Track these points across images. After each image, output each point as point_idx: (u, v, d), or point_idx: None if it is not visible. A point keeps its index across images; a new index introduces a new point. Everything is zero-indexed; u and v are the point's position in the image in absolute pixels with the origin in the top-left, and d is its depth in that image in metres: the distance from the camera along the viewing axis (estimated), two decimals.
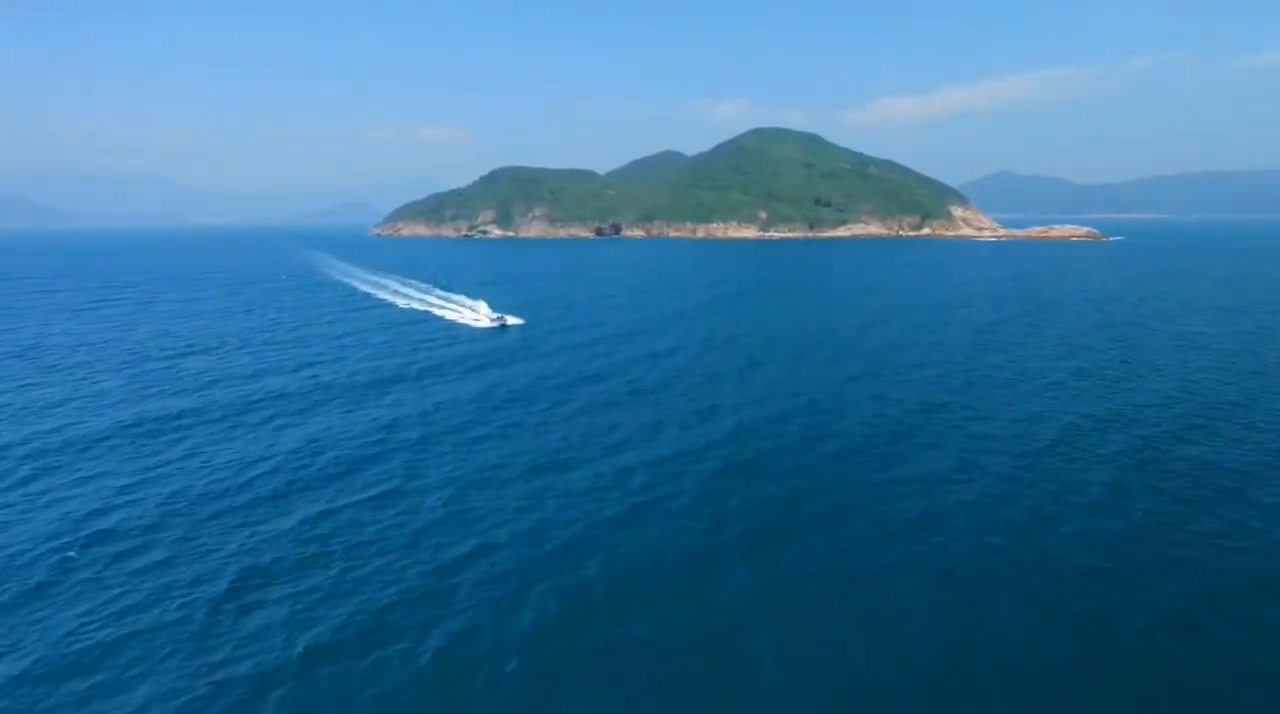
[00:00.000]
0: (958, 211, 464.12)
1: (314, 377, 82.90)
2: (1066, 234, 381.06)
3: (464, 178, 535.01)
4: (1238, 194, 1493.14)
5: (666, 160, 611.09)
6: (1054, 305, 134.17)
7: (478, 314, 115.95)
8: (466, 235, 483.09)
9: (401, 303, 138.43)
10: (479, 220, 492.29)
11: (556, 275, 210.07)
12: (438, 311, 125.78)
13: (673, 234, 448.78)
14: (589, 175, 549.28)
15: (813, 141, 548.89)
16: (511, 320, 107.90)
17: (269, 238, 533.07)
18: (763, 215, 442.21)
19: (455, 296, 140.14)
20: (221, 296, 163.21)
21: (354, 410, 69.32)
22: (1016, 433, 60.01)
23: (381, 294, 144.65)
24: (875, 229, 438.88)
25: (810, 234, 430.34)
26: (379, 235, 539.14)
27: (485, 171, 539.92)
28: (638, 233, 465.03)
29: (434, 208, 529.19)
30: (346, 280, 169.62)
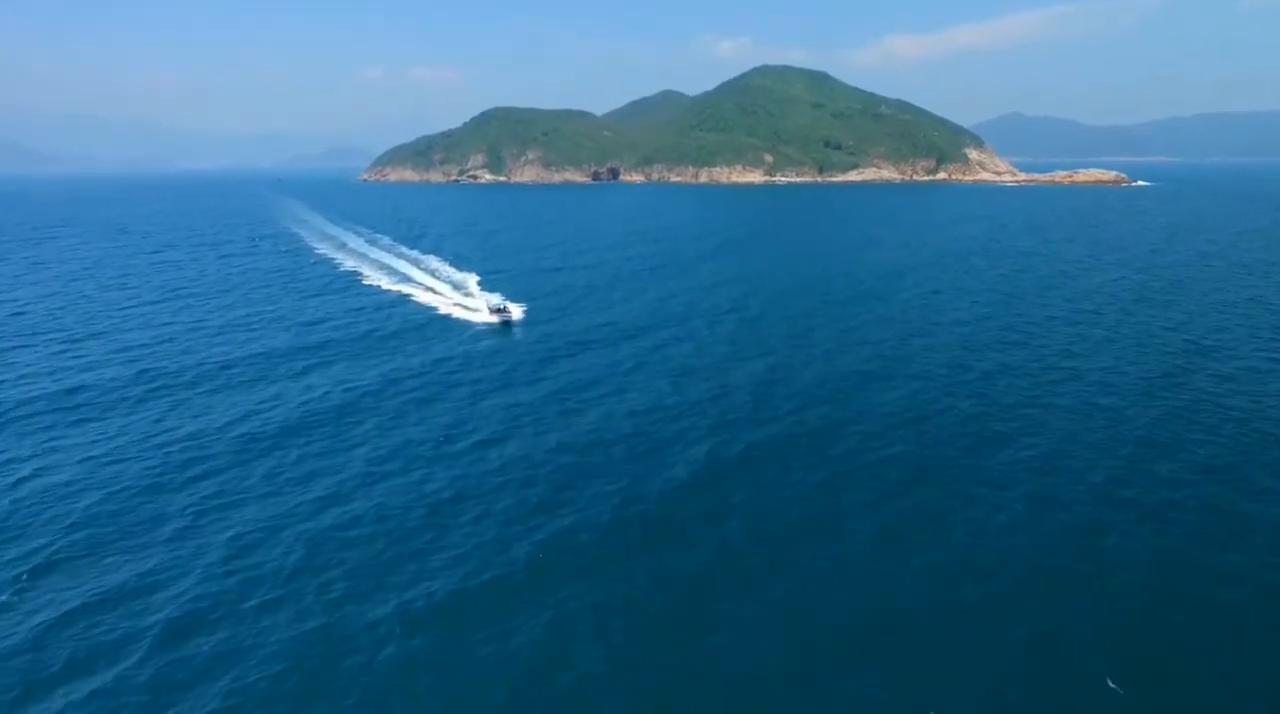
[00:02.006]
0: (974, 154, 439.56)
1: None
2: (1093, 179, 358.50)
3: (457, 120, 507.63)
4: (1254, 136, 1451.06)
5: (667, 101, 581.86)
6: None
7: (473, 301, 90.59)
8: (455, 180, 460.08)
9: (383, 281, 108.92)
10: (469, 165, 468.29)
11: (555, 250, 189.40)
12: (424, 297, 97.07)
13: (674, 179, 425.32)
14: (585, 116, 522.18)
15: (821, 80, 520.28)
16: (513, 308, 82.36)
17: (250, 184, 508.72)
18: (769, 159, 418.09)
19: (443, 272, 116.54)
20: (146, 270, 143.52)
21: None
22: None
23: (362, 267, 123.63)
24: (888, 174, 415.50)
25: (819, 179, 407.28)
26: (366, 181, 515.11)
27: (477, 113, 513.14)
28: (636, 178, 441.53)
29: (421, 151, 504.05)
30: (319, 247, 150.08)
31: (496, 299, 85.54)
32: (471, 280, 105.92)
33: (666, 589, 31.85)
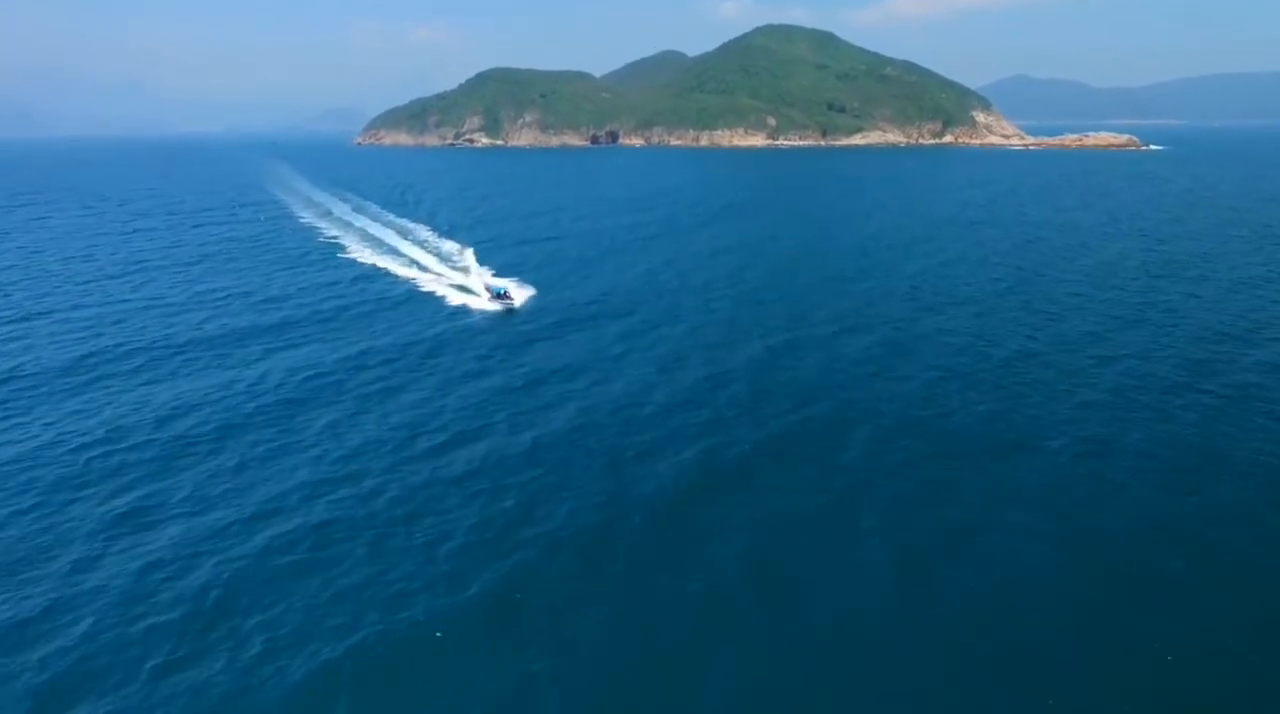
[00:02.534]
0: (981, 117, 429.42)
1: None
2: (1104, 143, 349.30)
3: (456, 82, 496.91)
4: (1263, 98, 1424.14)
5: (667, 62, 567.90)
6: None
7: (467, 279, 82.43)
8: (451, 144, 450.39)
9: (364, 253, 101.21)
10: (465, 128, 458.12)
11: (547, 217, 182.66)
12: (405, 272, 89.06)
13: (674, 142, 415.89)
14: (583, 77, 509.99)
15: (826, 40, 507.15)
16: (516, 293, 73.04)
17: (242, 149, 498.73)
18: (771, 122, 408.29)
19: (431, 243, 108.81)
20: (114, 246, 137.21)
21: None
22: None
23: (344, 237, 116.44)
24: (893, 137, 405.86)
25: (823, 143, 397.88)
26: (360, 144, 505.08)
27: (472, 74, 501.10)
28: (636, 141, 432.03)
29: (416, 114, 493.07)
30: (302, 215, 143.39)
31: (496, 281, 78.13)
32: (467, 255, 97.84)
33: (651, 641, 26.89)
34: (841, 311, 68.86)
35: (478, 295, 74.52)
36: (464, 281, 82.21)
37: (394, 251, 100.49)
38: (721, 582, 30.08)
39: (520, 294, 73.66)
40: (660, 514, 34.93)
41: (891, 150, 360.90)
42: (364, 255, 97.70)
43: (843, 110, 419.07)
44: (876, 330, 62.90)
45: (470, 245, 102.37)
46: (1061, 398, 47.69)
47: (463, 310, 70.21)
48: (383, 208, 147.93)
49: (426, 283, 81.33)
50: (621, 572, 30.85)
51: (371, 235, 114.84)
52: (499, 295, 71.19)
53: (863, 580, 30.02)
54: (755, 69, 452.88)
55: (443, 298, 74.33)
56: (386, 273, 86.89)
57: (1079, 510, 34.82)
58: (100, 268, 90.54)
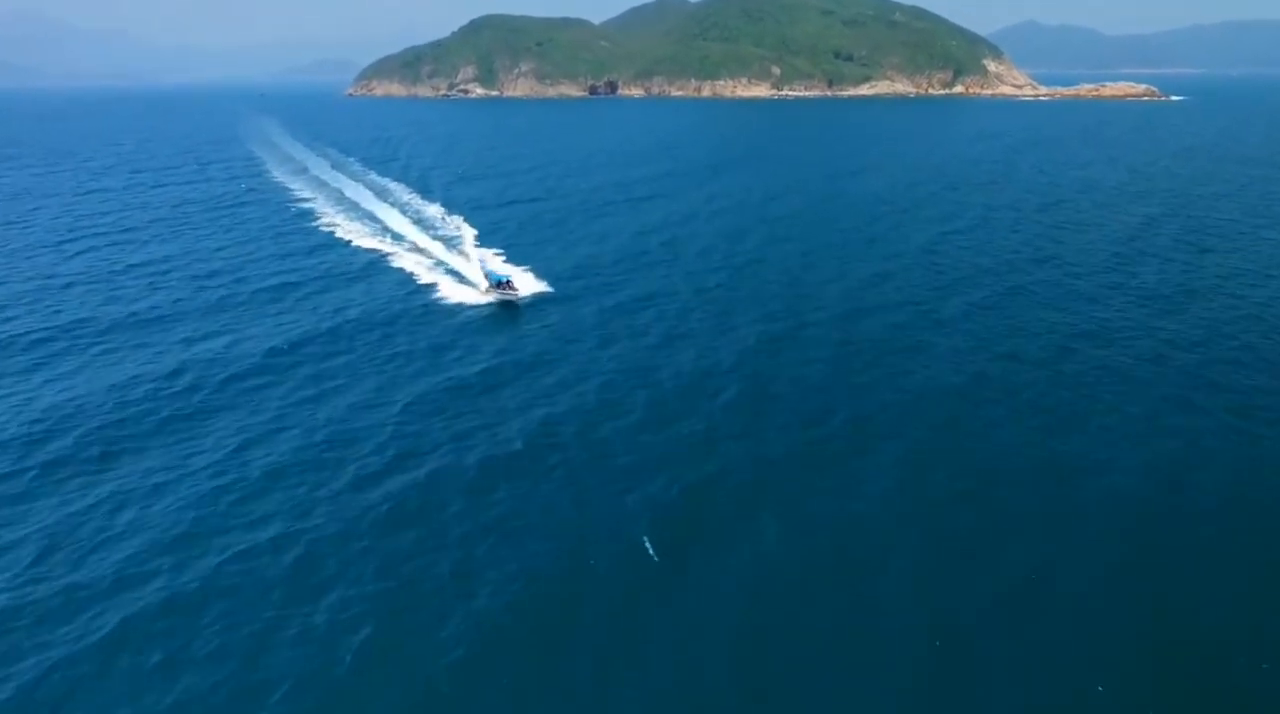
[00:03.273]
0: (993, 66, 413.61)
1: None
2: (1122, 92, 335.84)
3: (446, 29, 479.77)
4: (1278, 46, 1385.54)
5: (668, 7, 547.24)
6: None
7: (459, 259, 70.19)
8: (445, 95, 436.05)
9: (336, 219, 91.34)
10: (459, 78, 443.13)
11: (538, 174, 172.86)
12: (372, 242, 78.88)
13: (675, 93, 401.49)
14: (581, 24, 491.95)
15: None
16: (521, 285, 59.67)
17: (230, 100, 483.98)
18: (776, 71, 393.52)
19: (414, 207, 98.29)
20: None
21: None
22: None
23: (317, 199, 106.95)
24: (901, 87, 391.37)
25: (829, 93, 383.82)
26: (351, 95, 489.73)
27: (466, 20, 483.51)
28: (636, 91, 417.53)
29: (409, 63, 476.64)
30: (274, 174, 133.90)
31: (496, 266, 66.42)
32: (458, 225, 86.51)
33: None
34: (852, 289, 60.90)
35: (473, 284, 61.69)
36: (446, 256, 72.08)
37: (370, 217, 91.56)
38: (701, 685, 22.92)
39: (526, 282, 60.73)
40: (634, 580, 27.66)
41: (900, 101, 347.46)
42: (335, 221, 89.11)
43: (850, 59, 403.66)
44: (893, 314, 55.00)
45: (460, 213, 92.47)
46: (1111, 410, 40.08)
47: (464, 310, 57.98)
48: (365, 166, 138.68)
49: (400, 256, 72.21)
50: (583, 644, 23.74)
51: (348, 198, 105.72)
52: (499, 284, 58.54)
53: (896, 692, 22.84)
54: (759, 14, 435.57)
55: (413, 276, 65.84)
56: (354, 243, 78.50)
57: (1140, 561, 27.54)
58: (36, 236, 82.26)
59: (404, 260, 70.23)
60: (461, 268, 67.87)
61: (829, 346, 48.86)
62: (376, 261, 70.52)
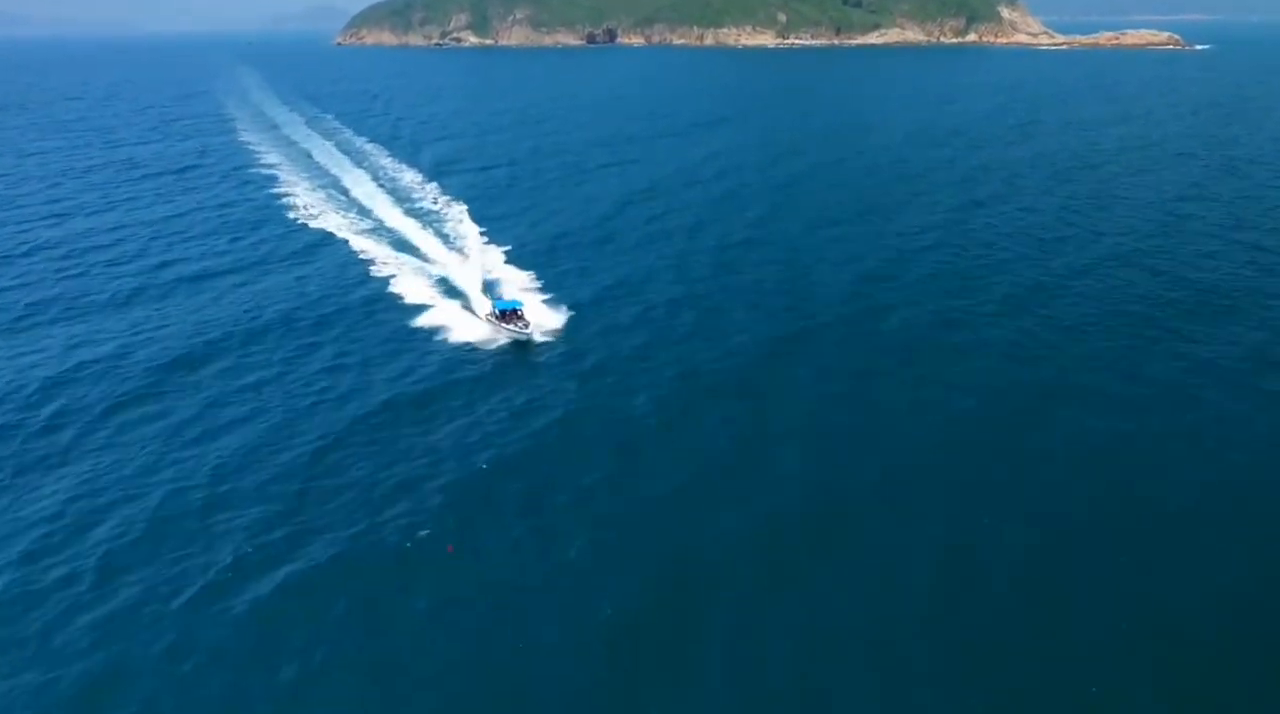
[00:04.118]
0: (1007, 14, 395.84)
1: None
2: (1144, 41, 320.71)
3: None
4: None
5: None
6: None
7: (448, 258, 56.78)
8: (437, 44, 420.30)
9: (298, 191, 79.42)
10: (451, 26, 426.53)
11: (530, 130, 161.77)
12: (333, 221, 67.26)
13: (676, 41, 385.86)
14: None
15: None
16: (537, 315, 45.69)
17: (213, 50, 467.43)
18: (781, 19, 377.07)
19: (402, 176, 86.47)
20: None
21: None
22: None
23: (281, 165, 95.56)
24: (912, 35, 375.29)
25: (837, 41, 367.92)
26: (340, 45, 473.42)
27: None
28: (636, 40, 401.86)
29: (400, 10, 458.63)
30: (243, 134, 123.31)
31: (505, 279, 52.00)
32: (439, 198, 75.92)
33: None
34: (854, 285, 52.19)
35: (471, 307, 47.68)
36: (420, 238, 61.35)
37: (336, 185, 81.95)
38: None
39: (543, 314, 46.22)
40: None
41: (911, 50, 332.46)
42: (293, 191, 79.52)
43: (858, 5, 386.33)
44: (900, 321, 46.50)
45: (438, 180, 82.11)
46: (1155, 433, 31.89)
47: (401, 297, 49.21)
48: (341, 123, 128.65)
49: (361, 237, 61.73)
50: None
51: (316, 162, 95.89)
52: (505, 313, 44.22)
53: None
54: None
55: (373, 264, 56.21)
56: (310, 219, 69.25)
57: None
58: None
59: (364, 244, 60.72)
60: (435, 255, 57.80)
61: (827, 354, 40.47)
62: (329, 244, 61.56)
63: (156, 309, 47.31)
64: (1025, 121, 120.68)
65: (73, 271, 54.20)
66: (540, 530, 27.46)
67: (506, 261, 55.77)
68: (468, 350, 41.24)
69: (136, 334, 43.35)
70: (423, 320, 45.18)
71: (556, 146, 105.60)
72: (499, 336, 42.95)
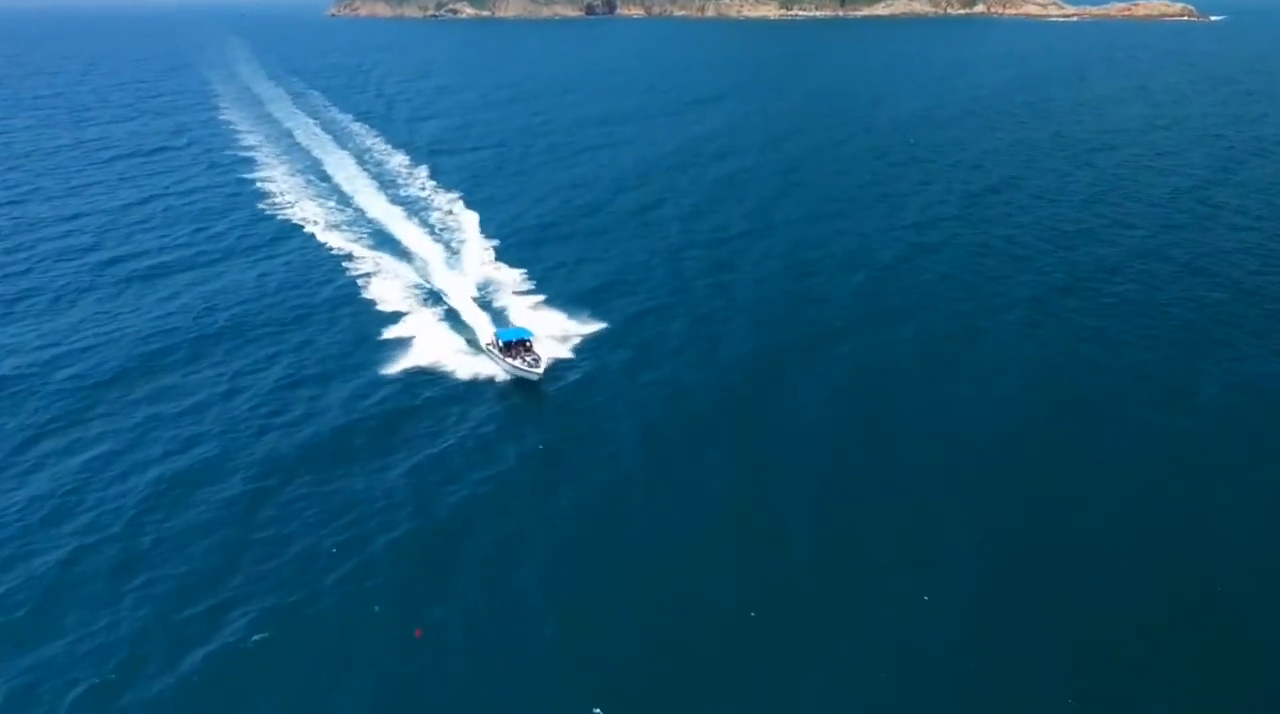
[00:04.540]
0: None
1: None
2: (1156, 12, 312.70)
3: None
4: None
5: None
6: None
7: (441, 274, 48.93)
8: (433, 15, 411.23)
9: (273, 186, 70.57)
10: None
11: (519, 109, 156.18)
12: (331, 229, 58.33)
13: (677, 13, 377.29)
14: None
15: None
16: (547, 347, 39.01)
17: (204, 21, 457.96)
18: None
19: (390, 159, 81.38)
20: None
21: None
22: None
23: (261, 149, 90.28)
24: (920, 7, 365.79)
25: (841, 13, 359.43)
26: (334, 16, 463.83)
27: None
28: (635, 11, 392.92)
29: None
30: (223, 113, 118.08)
31: (514, 309, 43.68)
32: (426, 184, 71.31)
33: None
34: (875, 286, 47.97)
35: (466, 332, 40.96)
36: (405, 232, 56.21)
37: (317, 169, 77.26)
38: None
39: (554, 346, 39.29)
40: None
41: (919, 21, 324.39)
42: (270, 176, 74.92)
43: None
44: (911, 325, 42.30)
45: (427, 163, 77.18)
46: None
47: (379, 304, 45.12)
48: (328, 99, 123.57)
49: (337, 234, 57.33)
50: None
51: (298, 142, 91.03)
52: (512, 344, 37.16)
53: None
54: None
55: (351, 263, 51.52)
56: (285, 209, 64.68)
57: None
58: None
59: (339, 236, 56.21)
60: (417, 249, 52.88)
61: (822, 399, 36.33)
62: (300, 236, 57.17)
63: (100, 312, 43.19)
64: (1037, 98, 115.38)
65: (14, 268, 49.98)
66: (508, 609, 23.55)
67: (496, 258, 51.44)
68: (438, 371, 36.78)
69: (74, 343, 39.29)
70: (395, 331, 40.52)
71: (550, 125, 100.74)
72: (498, 372, 36.39)
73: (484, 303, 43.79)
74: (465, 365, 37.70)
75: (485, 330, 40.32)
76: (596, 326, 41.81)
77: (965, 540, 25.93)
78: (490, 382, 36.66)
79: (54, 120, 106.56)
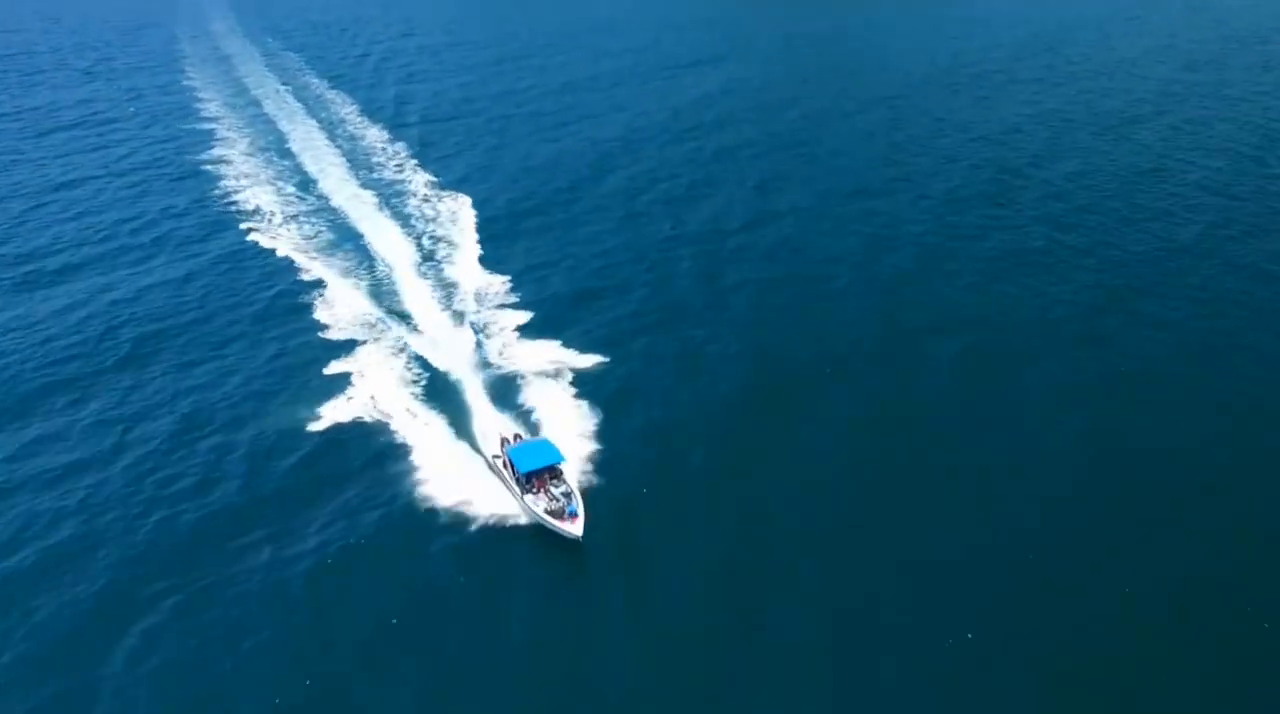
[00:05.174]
0: None
1: None
2: None
3: None
4: None
5: None
6: None
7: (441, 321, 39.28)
8: None
9: (227, 169, 62.66)
10: None
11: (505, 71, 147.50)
12: (306, 251, 47.07)
13: None
14: None
15: None
16: (585, 441, 30.51)
17: None
18: None
19: (365, 133, 73.32)
20: None
21: None
22: None
23: (222, 121, 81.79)
24: None
25: None
26: None
27: None
28: None
29: None
30: (186, 75, 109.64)
31: (534, 408, 32.53)
32: (406, 164, 64.33)
33: None
34: (901, 290, 41.63)
35: (463, 428, 31.01)
36: (387, 250, 46.22)
37: (281, 147, 69.94)
38: None
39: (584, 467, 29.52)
40: None
41: None
42: (226, 154, 67.66)
43: None
44: (947, 346, 36.05)
45: (423, 165, 65.83)
46: None
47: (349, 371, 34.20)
48: (304, 62, 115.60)
49: (295, 240, 51.03)
50: None
51: (265, 114, 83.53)
52: (531, 476, 27.40)
53: None
54: None
55: (310, 288, 45.08)
56: (237, 198, 58.11)
57: None
58: None
59: (292, 231, 49.43)
60: (382, 249, 45.63)
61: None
62: (245, 227, 50.49)
63: None
64: (1059, 61, 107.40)
65: None
66: None
67: (473, 259, 45.04)
68: (383, 424, 30.12)
69: None
70: (342, 364, 33.05)
71: (536, 89, 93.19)
72: (519, 515, 26.01)
73: (457, 318, 37.22)
74: (391, 397, 30.21)
75: (488, 430, 29.80)
76: (595, 360, 34.97)
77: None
78: (474, 474, 27.84)
79: (2, 85, 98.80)
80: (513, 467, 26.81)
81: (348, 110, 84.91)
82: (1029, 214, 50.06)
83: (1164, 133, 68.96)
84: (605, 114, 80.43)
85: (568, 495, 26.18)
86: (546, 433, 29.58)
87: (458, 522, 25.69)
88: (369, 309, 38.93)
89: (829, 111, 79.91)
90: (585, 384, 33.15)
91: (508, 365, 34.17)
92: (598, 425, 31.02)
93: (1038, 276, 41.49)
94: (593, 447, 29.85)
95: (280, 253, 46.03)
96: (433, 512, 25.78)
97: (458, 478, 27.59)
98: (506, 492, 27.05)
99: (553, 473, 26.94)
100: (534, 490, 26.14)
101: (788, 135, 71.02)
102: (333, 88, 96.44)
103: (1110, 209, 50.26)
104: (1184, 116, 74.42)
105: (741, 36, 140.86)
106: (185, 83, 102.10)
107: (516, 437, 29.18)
